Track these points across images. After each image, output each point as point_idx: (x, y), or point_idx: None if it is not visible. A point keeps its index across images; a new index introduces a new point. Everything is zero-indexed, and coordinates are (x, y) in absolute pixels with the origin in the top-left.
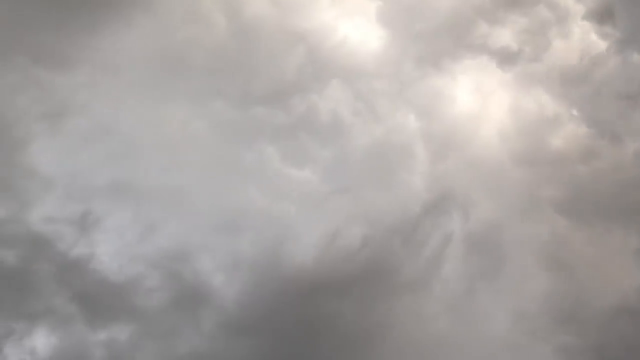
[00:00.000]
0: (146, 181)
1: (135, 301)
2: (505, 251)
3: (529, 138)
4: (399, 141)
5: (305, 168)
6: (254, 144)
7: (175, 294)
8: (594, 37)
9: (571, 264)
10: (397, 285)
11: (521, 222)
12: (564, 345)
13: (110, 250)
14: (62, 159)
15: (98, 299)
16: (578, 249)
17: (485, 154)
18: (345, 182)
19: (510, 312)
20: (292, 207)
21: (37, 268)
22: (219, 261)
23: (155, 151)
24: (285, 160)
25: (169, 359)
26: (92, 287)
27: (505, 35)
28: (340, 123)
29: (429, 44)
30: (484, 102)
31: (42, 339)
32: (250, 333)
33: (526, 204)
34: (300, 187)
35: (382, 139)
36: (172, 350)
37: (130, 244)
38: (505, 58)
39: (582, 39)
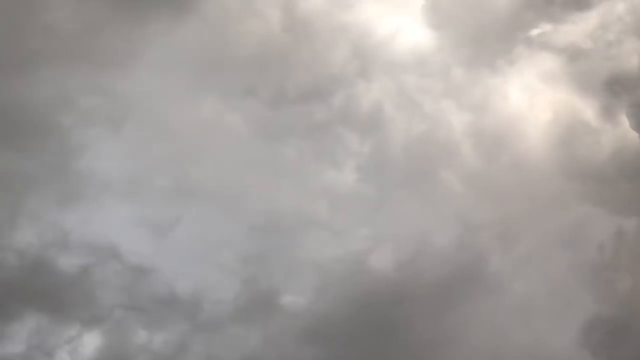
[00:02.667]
0: (207, 184)
1: (203, 308)
2: None
3: (575, 147)
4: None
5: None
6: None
7: (243, 301)
8: None
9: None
10: (475, 291)
11: None
12: None
13: (175, 256)
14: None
15: (159, 306)
16: None
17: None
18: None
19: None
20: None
21: (99, 275)
22: (286, 267)
23: (213, 153)
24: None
25: None
26: (158, 293)
27: (561, 35)
28: (382, 119)
29: (476, 41)
30: (534, 103)
31: (92, 345)
32: (319, 340)
33: None
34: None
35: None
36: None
37: (196, 249)
38: (560, 58)
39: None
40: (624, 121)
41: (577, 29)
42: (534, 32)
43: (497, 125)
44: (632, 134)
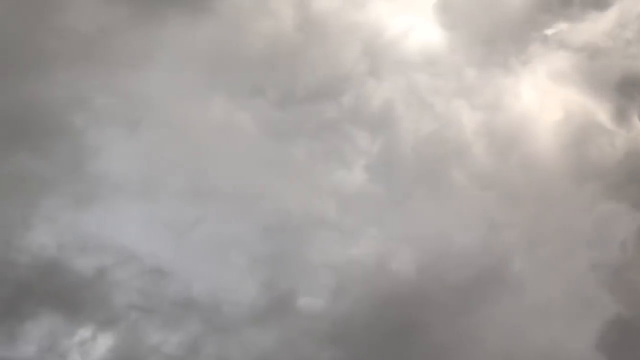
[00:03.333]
0: (221, 185)
1: (220, 310)
2: None
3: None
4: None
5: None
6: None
7: (261, 303)
8: None
9: None
10: (496, 293)
11: None
12: None
13: (191, 257)
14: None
15: (174, 308)
16: None
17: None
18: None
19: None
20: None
21: (114, 276)
22: (302, 268)
23: (227, 153)
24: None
25: None
26: (173, 295)
27: (578, 34)
28: (392, 118)
29: (488, 40)
30: (547, 103)
31: (105, 347)
32: (337, 343)
33: None
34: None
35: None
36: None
37: (211, 250)
38: (575, 57)
39: None
40: (638, 123)
41: (594, 27)
42: (549, 31)
43: (509, 125)
44: None
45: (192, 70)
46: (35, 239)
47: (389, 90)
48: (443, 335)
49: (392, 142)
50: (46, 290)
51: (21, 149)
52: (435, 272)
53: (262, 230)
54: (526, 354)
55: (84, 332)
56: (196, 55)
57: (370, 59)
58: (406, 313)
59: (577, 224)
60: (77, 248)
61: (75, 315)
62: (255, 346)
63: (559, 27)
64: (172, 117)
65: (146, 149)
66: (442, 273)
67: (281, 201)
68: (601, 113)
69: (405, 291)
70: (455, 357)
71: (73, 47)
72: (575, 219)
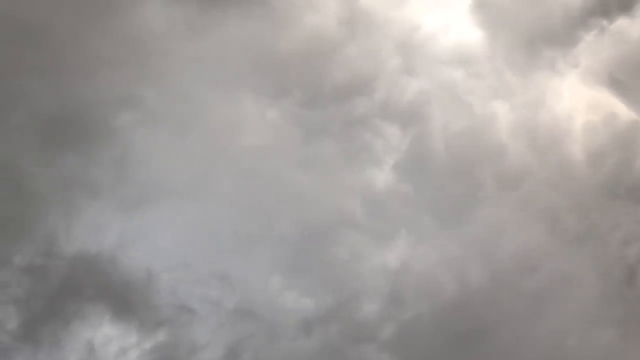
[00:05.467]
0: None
1: (268, 316)
2: None
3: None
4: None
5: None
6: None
7: (323, 310)
8: None
9: None
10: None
11: None
12: None
13: (243, 260)
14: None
15: (221, 313)
16: None
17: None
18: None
19: None
20: None
21: (162, 281)
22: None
23: (276, 155)
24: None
25: None
26: (219, 300)
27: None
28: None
29: (523, 38)
30: (583, 104)
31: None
32: (398, 350)
33: None
34: None
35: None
36: None
37: (264, 254)
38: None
39: None
40: None
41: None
42: (592, 31)
43: (548, 126)
44: None
45: (242, 70)
46: (81, 241)
47: (422, 86)
48: (508, 339)
49: (425, 139)
50: (94, 292)
51: (70, 151)
52: (506, 278)
53: (309, 232)
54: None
55: (128, 334)
56: (247, 55)
57: (404, 56)
58: (472, 318)
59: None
60: (123, 251)
61: (122, 317)
62: (301, 352)
63: (604, 27)
64: (224, 118)
65: (195, 152)
66: (511, 277)
67: (324, 202)
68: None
69: (469, 296)
70: None
71: (124, 50)
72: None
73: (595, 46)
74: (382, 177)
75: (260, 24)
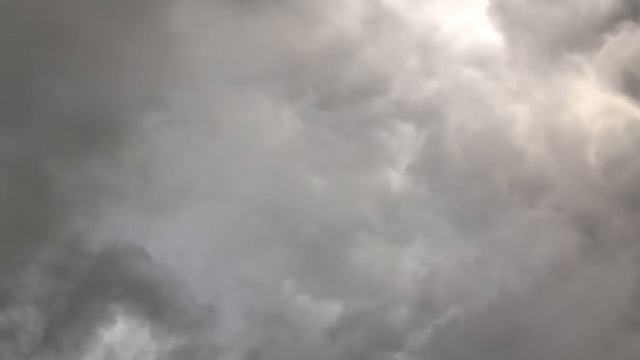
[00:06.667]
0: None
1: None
2: None
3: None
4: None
5: None
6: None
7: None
8: None
9: None
10: None
11: None
12: None
13: (267, 264)
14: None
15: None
16: None
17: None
18: None
19: None
20: None
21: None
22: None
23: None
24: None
25: None
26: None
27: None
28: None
29: (538, 40)
30: (601, 108)
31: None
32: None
33: None
34: None
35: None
36: None
37: (290, 258)
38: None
39: None
40: None
41: None
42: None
43: (564, 128)
44: None
45: (263, 72)
46: (105, 244)
47: (440, 87)
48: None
49: (440, 139)
50: (116, 294)
51: (96, 154)
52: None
53: (333, 237)
54: None
55: (149, 335)
56: (269, 56)
57: (423, 55)
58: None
59: None
60: (147, 253)
61: (143, 318)
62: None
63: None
64: (243, 120)
65: (217, 156)
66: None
67: (348, 208)
68: None
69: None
70: None
71: (149, 53)
72: None
73: (619, 49)
74: (397, 179)
75: (287, 25)
